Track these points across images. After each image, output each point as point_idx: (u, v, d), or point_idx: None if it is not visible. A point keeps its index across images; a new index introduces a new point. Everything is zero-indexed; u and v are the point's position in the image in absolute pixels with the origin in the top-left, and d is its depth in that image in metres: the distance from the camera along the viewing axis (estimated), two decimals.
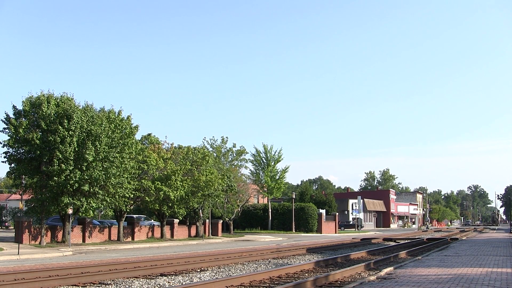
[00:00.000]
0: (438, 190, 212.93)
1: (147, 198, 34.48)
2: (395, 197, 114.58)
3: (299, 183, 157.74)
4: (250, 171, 58.05)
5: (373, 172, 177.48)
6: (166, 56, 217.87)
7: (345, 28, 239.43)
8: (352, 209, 78.84)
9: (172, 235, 39.95)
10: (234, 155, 51.34)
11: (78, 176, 27.58)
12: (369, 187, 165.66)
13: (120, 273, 13.99)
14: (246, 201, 53.95)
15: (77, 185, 27.72)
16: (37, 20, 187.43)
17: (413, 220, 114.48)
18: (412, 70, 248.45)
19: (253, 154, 58.66)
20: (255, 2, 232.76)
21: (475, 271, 13.12)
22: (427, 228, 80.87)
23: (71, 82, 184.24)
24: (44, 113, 27.86)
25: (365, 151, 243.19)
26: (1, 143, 28.21)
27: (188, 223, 43.49)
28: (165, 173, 35.66)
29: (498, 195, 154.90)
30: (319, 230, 57.69)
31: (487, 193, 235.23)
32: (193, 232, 43.28)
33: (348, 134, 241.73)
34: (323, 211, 61.26)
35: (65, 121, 27.66)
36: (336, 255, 21.13)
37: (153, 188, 34.18)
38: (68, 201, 27.76)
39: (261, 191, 59.27)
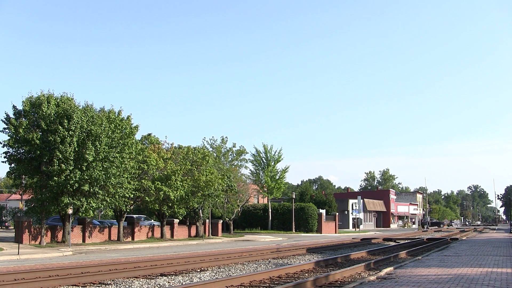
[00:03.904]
0: (438, 190, 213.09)
1: (147, 198, 34.49)
2: (395, 197, 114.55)
3: (299, 183, 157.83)
4: (250, 171, 58.15)
5: (373, 172, 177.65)
6: (166, 56, 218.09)
7: (345, 28, 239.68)
8: (352, 209, 78.89)
9: (172, 235, 39.96)
10: (234, 155, 51.34)
11: (78, 176, 27.58)
12: (369, 187, 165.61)
13: (120, 273, 13.99)
14: (246, 201, 53.95)
15: (77, 185, 27.72)
16: (37, 20, 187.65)
17: (413, 220, 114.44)
18: (412, 70, 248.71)
19: (253, 154, 58.74)
20: (255, 2, 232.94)
21: (475, 271, 13.12)
22: (427, 228, 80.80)
23: (71, 82, 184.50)
24: (44, 113, 27.87)
25: (365, 151, 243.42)
26: (1, 143, 28.23)
27: (188, 223, 43.49)
28: (165, 173, 35.67)
29: (498, 195, 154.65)
30: (319, 230, 57.70)
31: (487, 193, 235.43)
32: (193, 232, 43.28)
33: (348, 134, 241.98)
34: (323, 211, 61.27)
35: (65, 121, 27.67)
36: (336, 255, 21.13)
37: (153, 188, 34.18)
38: (68, 201, 27.76)
39: (261, 191, 59.27)
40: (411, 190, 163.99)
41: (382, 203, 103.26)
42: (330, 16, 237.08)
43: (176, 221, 40.66)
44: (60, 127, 27.36)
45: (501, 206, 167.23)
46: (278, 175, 58.80)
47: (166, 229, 39.04)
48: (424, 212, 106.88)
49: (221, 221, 47.92)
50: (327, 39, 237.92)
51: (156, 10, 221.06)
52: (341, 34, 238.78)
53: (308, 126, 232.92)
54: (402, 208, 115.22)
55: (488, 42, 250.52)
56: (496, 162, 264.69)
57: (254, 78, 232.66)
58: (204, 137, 58.88)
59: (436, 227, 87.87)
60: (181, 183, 35.79)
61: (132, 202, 34.93)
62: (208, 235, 43.10)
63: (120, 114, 32.54)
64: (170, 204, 35.94)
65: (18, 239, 27.82)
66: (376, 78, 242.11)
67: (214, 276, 14.55)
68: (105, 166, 28.68)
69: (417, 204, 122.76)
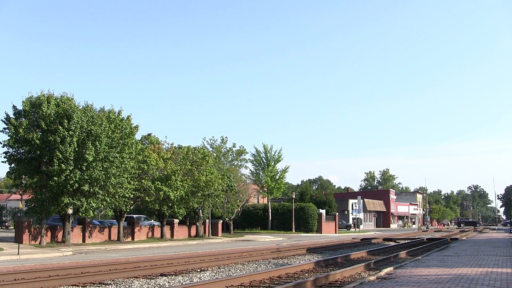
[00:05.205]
0: (438, 190, 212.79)
1: (147, 198, 34.49)
2: (395, 197, 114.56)
3: (299, 183, 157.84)
4: (250, 171, 58.14)
5: (373, 172, 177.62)
6: (166, 56, 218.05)
7: (345, 28, 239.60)
8: (352, 209, 78.88)
9: (172, 235, 39.96)
10: (234, 155, 51.35)
11: (78, 176, 27.59)
12: (369, 187, 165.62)
13: (120, 273, 13.99)
14: (246, 201, 53.95)
15: (77, 185, 27.73)
16: (37, 20, 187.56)
17: (413, 220, 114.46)
18: (412, 70, 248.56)
19: (253, 154, 58.74)
20: (255, 2, 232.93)
21: (475, 271, 13.12)
22: (427, 228, 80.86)
23: (71, 82, 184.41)
24: (44, 113, 27.87)
25: (365, 151, 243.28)
26: (1, 143, 28.24)
27: (188, 223, 43.50)
28: (165, 173, 35.68)
29: (498, 195, 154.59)
30: (319, 230, 57.71)
31: (487, 193, 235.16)
32: (193, 232, 43.29)
33: (348, 134, 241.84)
34: (323, 211, 61.28)
35: (65, 121, 27.67)
36: (336, 255, 21.13)
37: (153, 188, 34.18)
38: (68, 201, 27.77)
39: (261, 191, 59.28)
40: (411, 190, 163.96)
41: (382, 203, 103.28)
42: (330, 16, 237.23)
43: (176, 221, 40.67)
44: (60, 127, 27.37)
45: (501, 206, 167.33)
46: (278, 175, 58.80)
47: (166, 229, 39.04)
48: (424, 212, 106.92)
49: (221, 221, 47.93)
50: (327, 39, 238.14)
51: (156, 10, 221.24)
52: (341, 34, 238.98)
53: (308, 126, 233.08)
54: (402, 208, 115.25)
55: (488, 42, 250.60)
56: (496, 162, 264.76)
57: (254, 78, 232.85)
58: (204, 137, 58.95)
59: (472, 226, 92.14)
60: (181, 183, 35.79)
61: (132, 202, 34.93)
62: (208, 235, 43.10)
63: (120, 114, 32.56)
64: (170, 204, 35.94)
65: (18, 239, 27.82)
66: (376, 78, 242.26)
67: (214, 276, 14.55)
68: (105, 166, 28.68)
69: (417, 204, 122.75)
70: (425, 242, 32.25)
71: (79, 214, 30.15)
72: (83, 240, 31.76)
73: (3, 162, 28.86)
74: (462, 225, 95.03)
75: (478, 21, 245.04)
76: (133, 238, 35.97)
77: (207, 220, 43.57)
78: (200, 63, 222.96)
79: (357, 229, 72.25)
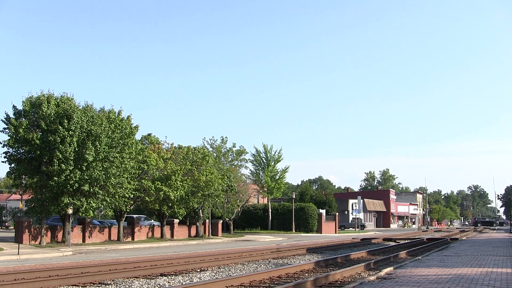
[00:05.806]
0: (438, 190, 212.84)
1: (147, 198, 34.49)
2: (395, 197, 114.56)
3: (299, 183, 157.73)
4: (250, 171, 58.16)
5: (373, 172, 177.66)
6: (166, 56, 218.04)
7: (345, 28, 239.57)
8: (352, 209, 78.86)
9: (172, 235, 39.96)
10: (234, 155, 51.38)
11: (78, 176, 27.58)
12: (369, 187, 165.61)
13: (120, 273, 13.99)
14: (246, 201, 53.94)
15: (77, 185, 27.72)
16: (37, 20, 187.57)
17: (413, 220, 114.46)
18: (412, 70, 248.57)
19: (253, 154, 58.76)
20: (254, 2, 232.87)
21: (475, 271, 13.12)
22: (427, 228, 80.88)
23: (71, 82, 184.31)
24: (44, 113, 27.87)
25: (365, 151, 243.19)
26: (1, 143, 28.23)
27: (188, 223, 43.50)
28: (165, 173, 35.68)
29: (498, 195, 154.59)
30: (319, 230, 57.71)
31: (487, 193, 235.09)
32: (193, 232, 43.29)
33: (348, 134, 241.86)
34: (323, 211, 61.29)
35: (65, 121, 27.67)
36: (336, 255, 21.14)
37: (153, 188, 34.18)
38: (68, 201, 27.76)
39: (261, 191, 59.28)
40: (411, 190, 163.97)
41: (382, 203, 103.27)
42: (330, 16, 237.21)
43: (176, 221, 40.66)
44: (60, 127, 27.37)
45: (501, 206, 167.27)
46: (278, 175, 58.81)
47: (166, 229, 39.04)
48: (424, 212, 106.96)
49: (221, 221, 47.93)
50: (327, 39, 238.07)
51: (156, 10, 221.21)
52: (340, 34, 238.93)
53: (308, 126, 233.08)
54: (402, 208, 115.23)
55: (488, 42, 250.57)
56: (496, 162, 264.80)
57: (254, 78, 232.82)
58: (204, 137, 58.91)
59: (489, 226, 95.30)
60: (181, 183, 35.79)
61: (132, 202, 34.93)
62: (208, 235, 43.10)
63: (120, 114, 32.55)
64: (170, 204, 35.94)
65: (18, 239, 27.82)
66: (376, 78, 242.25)
67: (214, 276, 14.55)
68: (105, 166, 28.68)
69: (417, 204, 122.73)
70: (425, 242, 32.26)
71: (79, 214, 30.15)
72: (83, 240, 31.76)
73: (3, 162, 28.89)
74: (479, 224, 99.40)
75: (478, 21, 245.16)
76: (133, 238, 35.97)
77: (207, 220, 43.57)
78: (200, 63, 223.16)
79: (357, 229, 72.26)
